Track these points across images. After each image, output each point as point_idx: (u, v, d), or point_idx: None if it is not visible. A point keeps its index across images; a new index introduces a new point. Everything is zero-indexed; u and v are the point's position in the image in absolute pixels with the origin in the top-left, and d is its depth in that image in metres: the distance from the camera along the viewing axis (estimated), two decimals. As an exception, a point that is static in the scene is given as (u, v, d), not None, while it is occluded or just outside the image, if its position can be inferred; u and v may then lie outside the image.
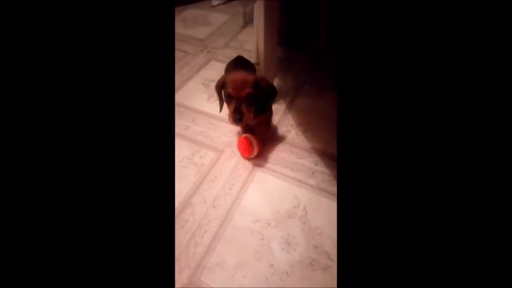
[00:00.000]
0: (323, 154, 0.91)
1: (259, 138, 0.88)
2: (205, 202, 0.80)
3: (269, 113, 0.92)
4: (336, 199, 0.79)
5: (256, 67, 1.10)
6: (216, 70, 1.26)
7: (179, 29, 1.55)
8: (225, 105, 0.82)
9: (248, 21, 1.58)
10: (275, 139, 0.96)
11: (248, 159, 0.89)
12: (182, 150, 0.93)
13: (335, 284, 0.64)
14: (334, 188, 0.82)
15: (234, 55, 1.34)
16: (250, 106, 0.75)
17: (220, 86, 0.78)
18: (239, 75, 0.75)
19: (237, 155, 0.91)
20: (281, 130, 0.99)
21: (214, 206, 0.79)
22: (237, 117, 0.73)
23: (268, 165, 0.88)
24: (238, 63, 0.96)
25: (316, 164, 0.88)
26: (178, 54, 1.36)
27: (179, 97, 1.13)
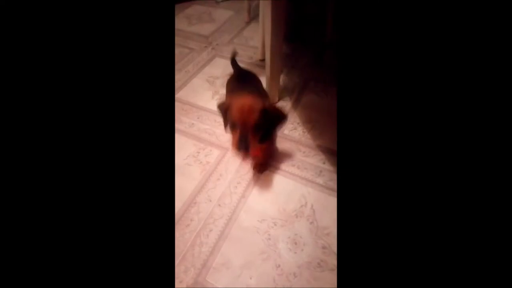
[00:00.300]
0: (330, 152, 0.89)
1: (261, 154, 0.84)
2: (210, 201, 0.79)
3: (274, 137, 0.85)
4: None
5: (263, 63, 1.08)
6: (220, 67, 1.24)
7: (183, 25, 1.54)
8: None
9: (252, 17, 1.56)
10: (277, 155, 0.93)
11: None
12: (187, 148, 0.92)
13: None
14: (342, 187, 0.80)
15: (239, 52, 1.33)
16: (257, 134, 0.69)
17: (225, 110, 0.72)
18: (245, 101, 0.68)
19: (243, 153, 0.89)
20: (288, 127, 0.98)
21: (219, 205, 0.78)
22: (242, 147, 0.67)
23: (275, 163, 0.87)
24: (241, 79, 0.89)
25: (324, 163, 0.86)
26: (182, 51, 1.35)
27: (183, 94, 1.12)
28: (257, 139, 0.69)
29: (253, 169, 0.87)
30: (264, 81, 1.08)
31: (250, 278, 0.64)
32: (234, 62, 1.02)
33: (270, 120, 0.70)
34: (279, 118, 0.73)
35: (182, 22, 1.56)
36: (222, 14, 1.63)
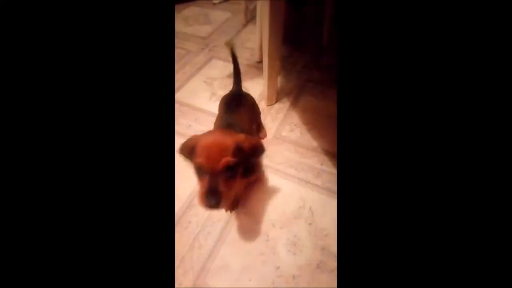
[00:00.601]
0: (328, 154, 0.89)
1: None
2: (209, 203, 0.78)
3: (258, 173, 0.72)
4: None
5: (261, 65, 1.08)
6: (218, 68, 1.24)
7: (180, 27, 1.53)
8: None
9: (250, 19, 1.56)
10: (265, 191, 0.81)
11: None
12: (184, 150, 0.91)
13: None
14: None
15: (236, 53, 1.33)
16: (230, 180, 0.52)
17: (189, 154, 0.54)
18: (213, 139, 0.52)
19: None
20: (285, 129, 0.98)
21: (218, 207, 0.77)
22: (211, 202, 0.49)
23: (273, 164, 0.87)
24: (234, 101, 0.78)
25: (322, 164, 0.86)
26: (179, 52, 1.35)
27: (181, 96, 1.11)
28: (232, 186, 0.53)
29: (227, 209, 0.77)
30: (261, 83, 1.08)
31: (249, 280, 0.64)
32: (235, 65, 0.88)
33: (247, 156, 0.55)
34: (256, 151, 0.58)
35: (179, 24, 1.56)
36: (219, 15, 1.63)
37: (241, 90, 0.86)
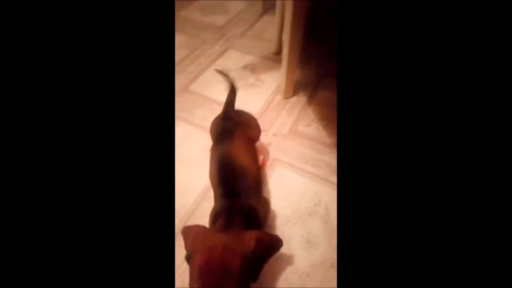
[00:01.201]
0: (345, 151, 0.87)
1: None
2: (223, 196, 0.78)
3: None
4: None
5: (277, 57, 1.05)
6: (233, 60, 1.22)
7: (196, 16, 1.51)
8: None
9: (266, 8, 1.52)
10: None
11: None
12: (200, 142, 0.91)
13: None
14: (357, 187, 0.79)
15: (252, 45, 1.30)
16: None
17: (187, 259, 0.47)
18: (214, 259, 0.43)
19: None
20: (301, 124, 0.96)
21: (232, 201, 0.77)
22: None
23: (288, 159, 0.86)
24: (224, 129, 0.69)
25: (338, 161, 0.85)
26: (195, 42, 1.33)
27: (196, 87, 1.10)
28: None
29: None
30: (277, 75, 1.06)
31: (263, 276, 0.64)
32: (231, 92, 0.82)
33: (258, 263, 0.48)
34: (271, 251, 0.52)
35: (195, 13, 1.53)
36: (235, 5, 1.60)
37: (231, 111, 0.78)
